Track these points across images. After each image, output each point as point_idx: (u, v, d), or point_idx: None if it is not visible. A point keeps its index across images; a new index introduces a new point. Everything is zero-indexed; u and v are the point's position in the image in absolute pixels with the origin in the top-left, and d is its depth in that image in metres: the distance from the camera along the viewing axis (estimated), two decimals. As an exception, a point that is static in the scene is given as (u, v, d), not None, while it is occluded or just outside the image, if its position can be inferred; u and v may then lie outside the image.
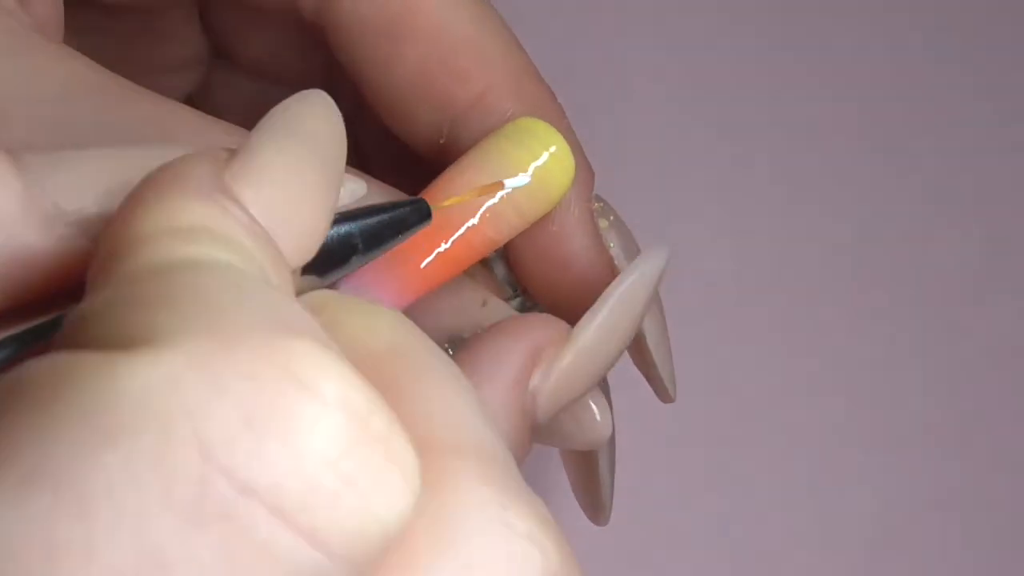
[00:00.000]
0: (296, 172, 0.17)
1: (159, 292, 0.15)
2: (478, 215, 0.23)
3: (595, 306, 0.23)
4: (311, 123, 0.18)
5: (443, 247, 0.23)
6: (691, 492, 0.42)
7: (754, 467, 0.42)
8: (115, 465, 0.13)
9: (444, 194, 0.23)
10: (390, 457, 0.14)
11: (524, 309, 0.27)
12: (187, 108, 0.24)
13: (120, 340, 0.14)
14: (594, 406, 0.25)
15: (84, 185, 0.19)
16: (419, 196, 0.22)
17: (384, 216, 0.20)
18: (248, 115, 0.33)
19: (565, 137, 0.25)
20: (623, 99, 0.46)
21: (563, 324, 0.24)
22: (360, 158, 0.32)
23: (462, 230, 0.23)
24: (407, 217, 0.20)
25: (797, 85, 0.46)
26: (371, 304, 0.18)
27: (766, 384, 0.43)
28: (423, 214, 0.21)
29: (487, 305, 0.25)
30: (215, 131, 0.24)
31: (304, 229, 0.17)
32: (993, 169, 0.46)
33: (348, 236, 0.19)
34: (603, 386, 0.27)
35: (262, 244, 0.16)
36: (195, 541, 0.13)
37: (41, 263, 0.18)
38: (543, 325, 0.23)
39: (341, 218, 0.20)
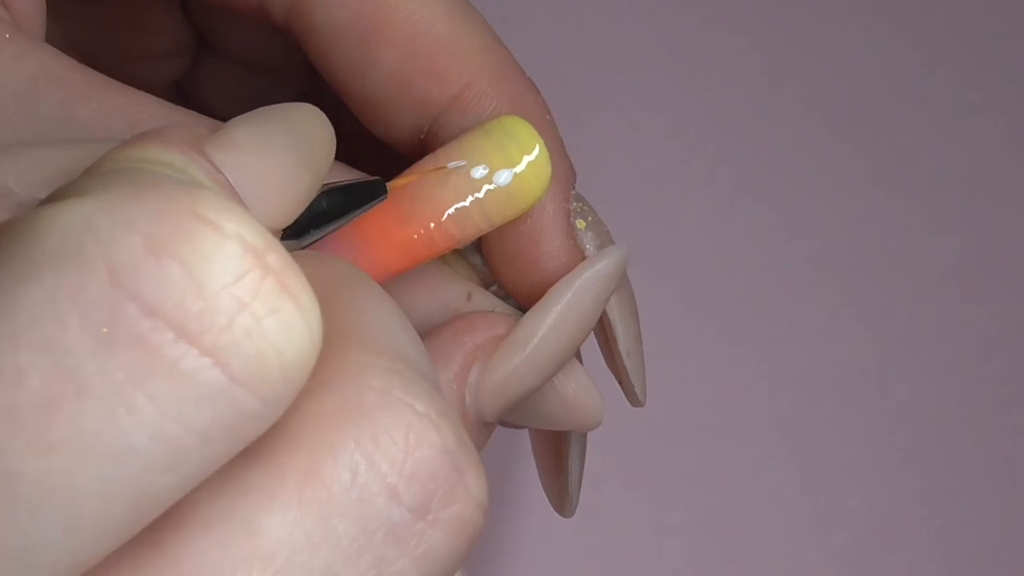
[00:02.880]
0: (268, 144, 0.18)
1: (93, 178, 0.16)
2: (441, 205, 0.23)
3: (543, 302, 0.24)
4: (293, 114, 0.20)
5: (403, 238, 0.23)
6: (679, 486, 0.42)
7: (742, 462, 0.42)
8: (38, 296, 0.14)
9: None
10: (285, 289, 0.15)
11: (503, 298, 0.27)
12: (154, 99, 0.24)
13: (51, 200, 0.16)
14: (584, 391, 0.25)
15: (33, 172, 0.19)
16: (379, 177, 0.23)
17: (343, 191, 0.22)
18: (236, 101, 0.33)
19: (546, 135, 0.24)
20: (612, 93, 0.46)
21: (508, 321, 0.24)
22: (344, 153, 0.32)
23: (421, 220, 0.23)
24: (364, 192, 0.22)
25: (789, 80, 0.46)
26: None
27: (755, 379, 0.43)
28: (378, 191, 0.22)
29: (472, 299, 0.25)
30: (181, 120, 0.24)
31: (272, 196, 0.18)
32: (984, 166, 0.46)
33: (311, 213, 0.21)
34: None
35: (225, 192, 0.17)
36: (109, 362, 0.14)
37: None
38: (485, 323, 0.24)
39: None
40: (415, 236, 0.23)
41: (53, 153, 0.20)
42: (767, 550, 0.41)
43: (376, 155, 0.29)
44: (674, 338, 0.43)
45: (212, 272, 0.15)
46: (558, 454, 0.28)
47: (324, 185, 0.21)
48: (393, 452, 0.16)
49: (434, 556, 0.17)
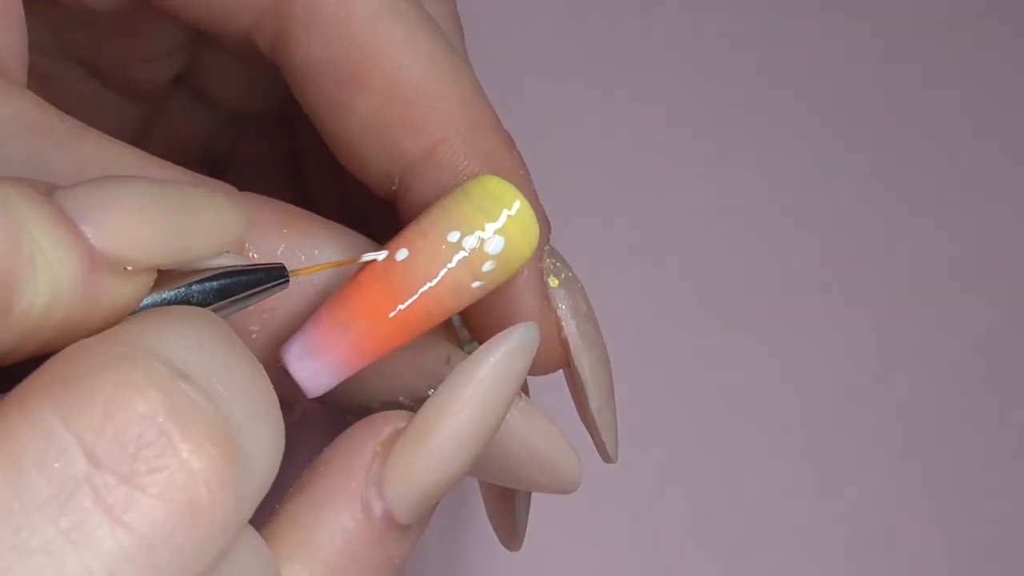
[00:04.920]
0: (127, 194, 0.18)
1: None
2: (436, 279, 0.23)
3: (442, 386, 0.22)
4: (188, 188, 0.20)
5: (398, 312, 0.23)
6: (678, 485, 0.42)
7: (743, 459, 0.42)
8: None
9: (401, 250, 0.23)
10: None
11: None
12: (132, 149, 0.24)
13: None
14: (561, 455, 0.24)
15: None
16: (279, 262, 0.22)
17: (239, 276, 0.21)
18: (240, 90, 0.33)
19: (522, 189, 0.24)
20: (612, 88, 0.45)
21: (409, 415, 0.23)
22: (315, 191, 0.33)
23: (417, 295, 0.23)
24: (261, 279, 0.21)
25: (789, 77, 0.46)
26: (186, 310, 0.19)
27: (756, 375, 0.43)
28: (276, 276, 0.22)
29: (451, 362, 0.24)
30: (158, 173, 0.23)
31: (116, 230, 0.18)
32: (981, 163, 0.46)
33: (204, 291, 0.21)
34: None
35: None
36: None
37: None
38: (385, 420, 0.22)
39: (202, 277, 0.21)
40: (411, 312, 0.23)
41: None
42: (767, 547, 0.42)
43: (345, 202, 0.29)
44: (674, 334, 0.43)
45: None
46: (505, 493, 0.28)
47: (221, 268, 0.21)
48: (92, 416, 0.16)
49: (147, 522, 0.16)
